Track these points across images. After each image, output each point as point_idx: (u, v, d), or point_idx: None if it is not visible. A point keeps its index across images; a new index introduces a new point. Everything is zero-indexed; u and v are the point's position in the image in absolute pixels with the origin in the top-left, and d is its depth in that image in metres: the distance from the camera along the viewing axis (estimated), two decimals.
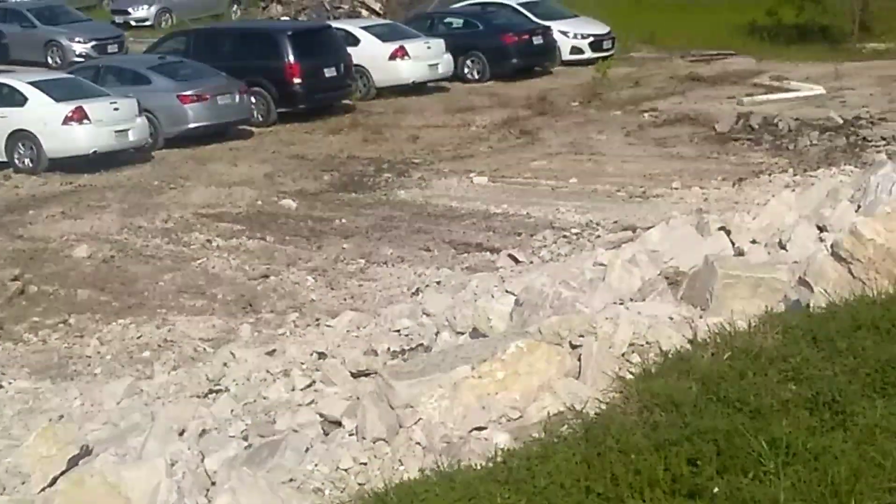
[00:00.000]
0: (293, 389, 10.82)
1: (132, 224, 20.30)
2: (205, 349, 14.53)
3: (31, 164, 24.42)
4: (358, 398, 8.28)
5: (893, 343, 6.33)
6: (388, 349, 11.60)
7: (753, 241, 11.88)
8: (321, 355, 12.10)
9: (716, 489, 5.33)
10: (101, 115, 24.48)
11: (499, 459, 5.95)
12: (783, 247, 10.62)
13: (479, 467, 5.92)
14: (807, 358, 6.22)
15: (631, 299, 9.76)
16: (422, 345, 11.54)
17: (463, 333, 11.02)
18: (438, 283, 16.09)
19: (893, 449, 5.45)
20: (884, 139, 24.43)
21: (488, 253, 17.75)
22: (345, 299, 16.16)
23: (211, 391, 12.10)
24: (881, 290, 7.36)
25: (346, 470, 6.58)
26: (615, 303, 9.35)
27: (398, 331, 12.28)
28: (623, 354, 6.96)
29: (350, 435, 7.22)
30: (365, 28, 34.20)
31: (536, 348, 7.00)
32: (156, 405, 11.85)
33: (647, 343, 7.02)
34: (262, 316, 15.77)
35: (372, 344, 11.80)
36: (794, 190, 17.87)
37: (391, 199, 21.60)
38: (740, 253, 11.63)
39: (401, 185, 22.57)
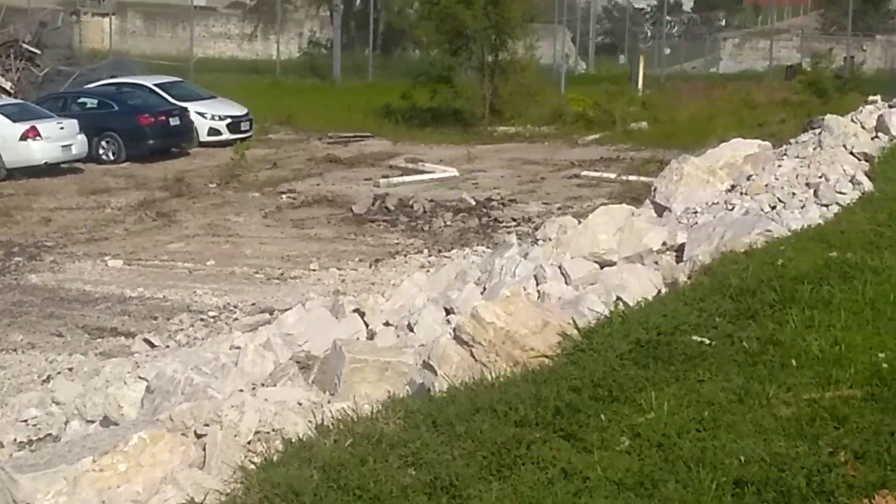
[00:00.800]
0: None
1: None
2: None
3: None
4: None
5: (509, 426, 6.49)
6: (15, 440, 11.21)
7: (386, 323, 12.07)
8: None
9: None
10: None
11: None
12: (412, 329, 10.83)
13: None
14: (426, 442, 6.30)
15: (263, 384, 9.75)
16: (50, 434, 11.20)
17: (94, 422, 10.77)
18: (70, 369, 15.63)
19: None
20: (514, 220, 25.25)
21: (123, 337, 17.35)
22: None
23: None
24: (500, 372, 7.56)
25: None
26: (246, 388, 9.32)
27: (25, 420, 11.88)
28: (249, 443, 6.91)
29: None
30: None
31: (160, 439, 6.87)
32: None
33: (274, 430, 6.99)
34: None
35: None
36: (428, 271, 18.28)
37: (21, 283, 20.89)
38: (373, 335, 11.80)
39: (32, 268, 21.87)
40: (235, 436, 6.97)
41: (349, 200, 27.54)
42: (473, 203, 26.87)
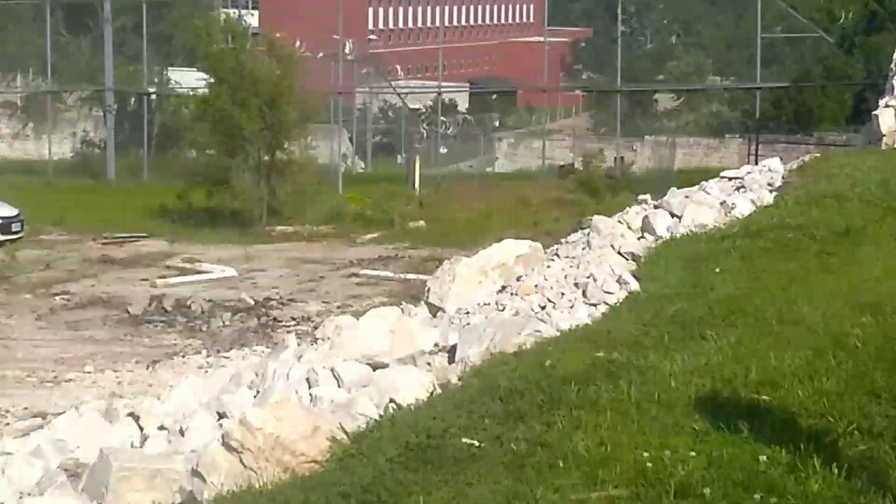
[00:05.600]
0: None
1: None
2: None
3: None
4: None
5: None
6: None
7: (161, 427, 11.88)
8: None
9: None
10: None
11: None
12: (183, 434, 10.69)
13: None
14: None
15: (30, 494, 9.51)
16: None
17: None
18: None
19: None
20: (294, 319, 25.27)
21: None
22: None
23: None
24: (269, 479, 7.52)
25: None
26: (13, 498, 9.08)
27: None
28: None
29: None
30: None
31: None
32: None
33: None
34: None
35: None
36: (206, 372, 18.10)
37: None
38: (146, 440, 11.61)
39: None
40: None
41: (125, 301, 27.21)
42: (252, 303, 26.81)
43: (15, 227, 37.27)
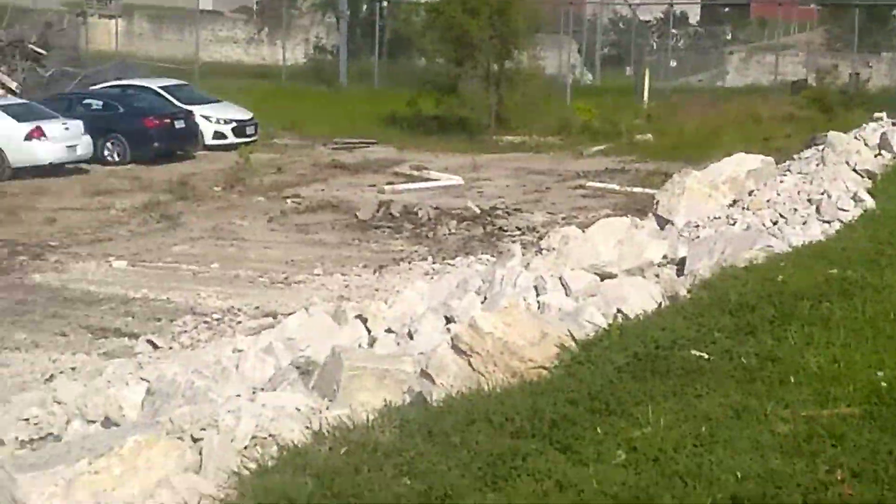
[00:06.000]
0: None
1: None
2: None
3: None
4: None
5: (505, 437, 6.49)
6: (16, 438, 11.20)
7: (388, 330, 12.07)
8: None
9: None
10: None
11: None
12: (412, 337, 10.83)
13: None
14: (421, 452, 6.30)
15: (263, 389, 9.75)
16: (52, 434, 11.19)
17: (95, 423, 10.76)
18: (73, 369, 15.66)
19: None
20: (518, 229, 25.24)
21: (126, 338, 17.35)
22: None
23: None
24: (497, 382, 7.57)
25: None
26: (245, 393, 9.32)
27: (27, 419, 11.87)
28: (245, 448, 6.92)
29: None
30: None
31: (156, 442, 6.88)
32: None
33: (270, 436, 7.00)
34: None
35: None
36: (431, 278, 18.29)
37: (26, 282, 20.92)
38: (374, 342, 11.80)
39: (36, 268, 21.90)
40: (232, 441, 6.99)
41: (354, 206, 27.56)
42: (478, 211, 26.88)
43: (249, 130, 38.12)
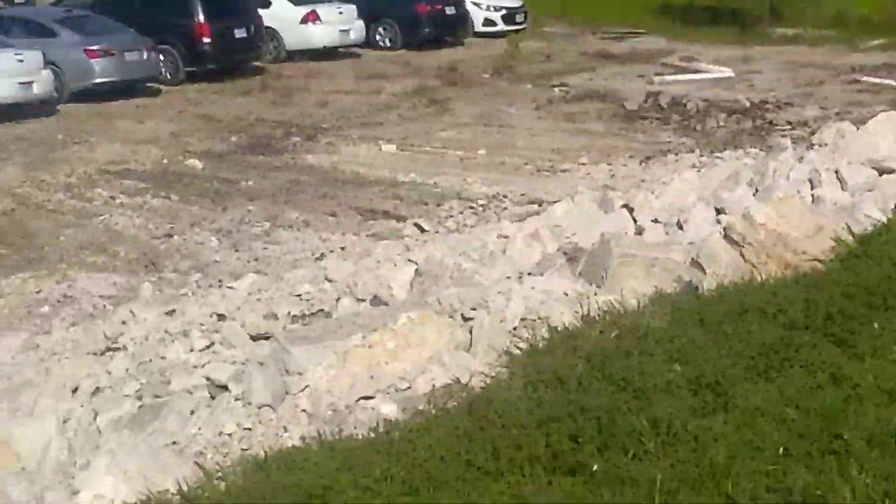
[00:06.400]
0: (191, 350, 10.70)
1: (34, 178, 20.03)
2: (104, 306, 14.32)
3: None
4: (244, 363, 8.23)
5: (778, 328, 6.41)
6: (289, 313, 11.53)
7: (655, 220, 11.97)
8: (221, 317, 11.99)
9: (595, 467, 5.33)
10: (4, 67, 24.17)
11: (381, 430, 5.93)
12: (681, 227, 10.73)
13: (360, 437, 5.89)
14: (692, 339, 6.27)
15: (529, 273, 9.81)
16: (322, 310, 11.49)
17: (363, 301, 11.00)
18: (343, 249, 16.03)
19: (772, 432, 5.49)
20: (789, 123, 24.66)
21: (394, 221, 17.67)
22: (248, 262, 16.00)
23: (108, 349, 11.93)
24: (770, 274, 7.45)
25: (229, 435, 6.55)
26: (513, 276, 9.39)
27: (299, 295, 12.20)
28: (514, 329, 6.99)
29: (236, 400, 7.19)
30: None
31: (428, 320, 7.01)
32: (51, 361, 11.69)
33: (539, 318, 7.05)
34: (164, 275, 15.56)
35: (273, 308, 11.71)
36: (699, 170, 18.04)
37: (298, 163, 21.47)
38: (641, 231, 11.73)
39: (309, 149, 22.44)
40: (501, 321, 7.06)
41: (621, 96, 27.35)
42: (748, 104, 26.33)
43: (518, 17, 38.10)
